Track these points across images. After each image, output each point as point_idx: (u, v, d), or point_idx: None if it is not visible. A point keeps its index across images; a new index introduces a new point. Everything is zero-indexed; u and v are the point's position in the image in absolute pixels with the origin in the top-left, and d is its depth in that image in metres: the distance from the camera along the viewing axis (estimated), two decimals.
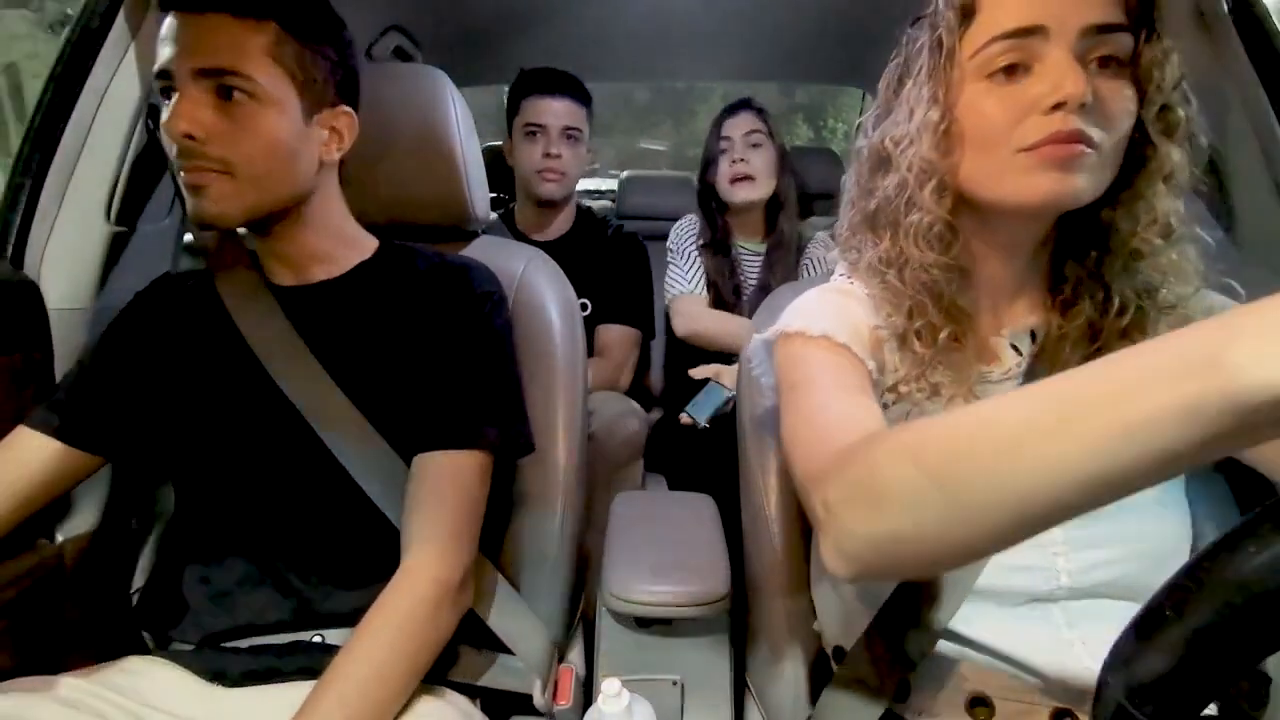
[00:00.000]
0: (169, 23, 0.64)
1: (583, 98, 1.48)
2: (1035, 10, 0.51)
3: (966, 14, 0.54)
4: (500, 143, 1.78)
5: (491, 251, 0.90)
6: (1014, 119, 0.52)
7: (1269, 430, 0.28)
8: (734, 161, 1.50)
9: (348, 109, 0.72)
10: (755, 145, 1.50)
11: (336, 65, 0.70)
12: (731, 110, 1.54)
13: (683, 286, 1.55)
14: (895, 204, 0.58)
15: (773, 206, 1.56)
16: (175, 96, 0.63)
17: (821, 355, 0.57)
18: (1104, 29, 0.51)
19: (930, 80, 0.55)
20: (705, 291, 1.55)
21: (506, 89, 1.55)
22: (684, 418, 1.36)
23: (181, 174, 0.65)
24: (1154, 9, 0.52)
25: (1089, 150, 0.50)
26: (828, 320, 0.60)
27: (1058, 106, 0.49)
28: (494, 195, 1.07)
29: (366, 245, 0.78)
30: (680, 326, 1.52)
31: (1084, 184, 0.52)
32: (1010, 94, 0.52)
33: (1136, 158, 0.54)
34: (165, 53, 0.64)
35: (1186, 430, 0.29)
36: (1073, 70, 0.49)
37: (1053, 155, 0.51)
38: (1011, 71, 0.52)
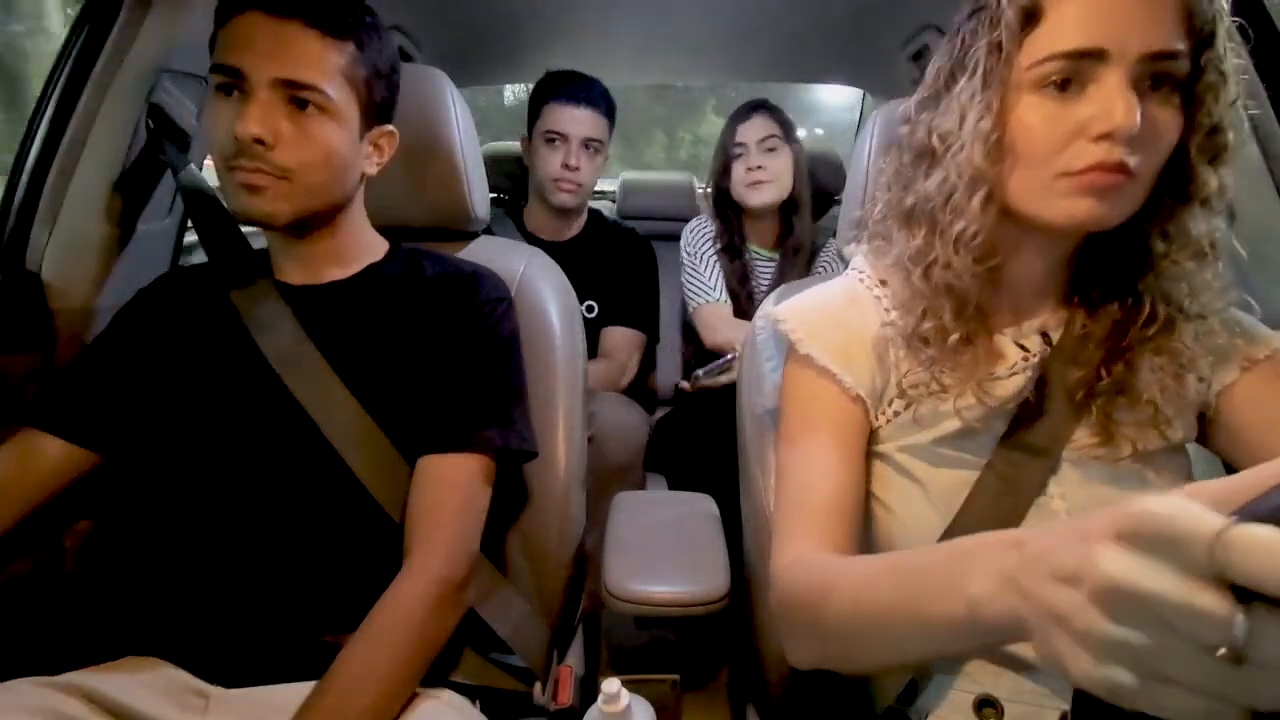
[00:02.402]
0: (240, 21, 0.65)
1: (606, 107, 1.46)
2: (1098, 31, 0.49)
3: (1030, 17, 0.52)
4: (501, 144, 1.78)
5: (492, 251, 0.90)
6: (1061, 141, 0.51)
7: (1021, 637, 0.33)
8: (749, 168, 1.46)
9: (391, 128, 0.75)
10: (771, 150, 1.46)
11: (391, 86, 0.74)
12: (745, 113, 1.49)
13: (706, 296, 1.51)
14: (935, 203, 0.57)
15: (787, 210, 1.52)
16: (244, 97, 0.65)
17: (806, 398, 0.62)
18: (1163, 56, 0.50)
19: (985, 86, 0.54)
20: (726, 296, 1.51)
21: (504, 89, 1.54)
22: (683, 383, 1.38)
23: (236, 173, 0.66)
24: (1215, 35, 0.51)
25: (1124, 179, 0.50)
26: (822, 331, 0.62)
27: (1105, 135, 0.49)
28: (493, 195, 1.07)
29: (377, 247, 0.79)
30: (707, 338, 1.49)
31: (1119, 211, 0.52)
32: (1061, 113, 0.51)
33: (1176, 178, 0.54)
34: (237, 52, 0.65)
35: (962, 631, 0.37)
36: (1125, 100, 0.48)
37: (1093, 183, 0.51)
38: (1064, 87, 0.51)
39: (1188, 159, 0.53)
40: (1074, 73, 0.51)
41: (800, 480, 0.60)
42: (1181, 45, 0.50)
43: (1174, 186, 0.54)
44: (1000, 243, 0.58)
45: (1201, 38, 0.51)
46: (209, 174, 0.79)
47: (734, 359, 1.35)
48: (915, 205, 0.60)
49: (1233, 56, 0.52)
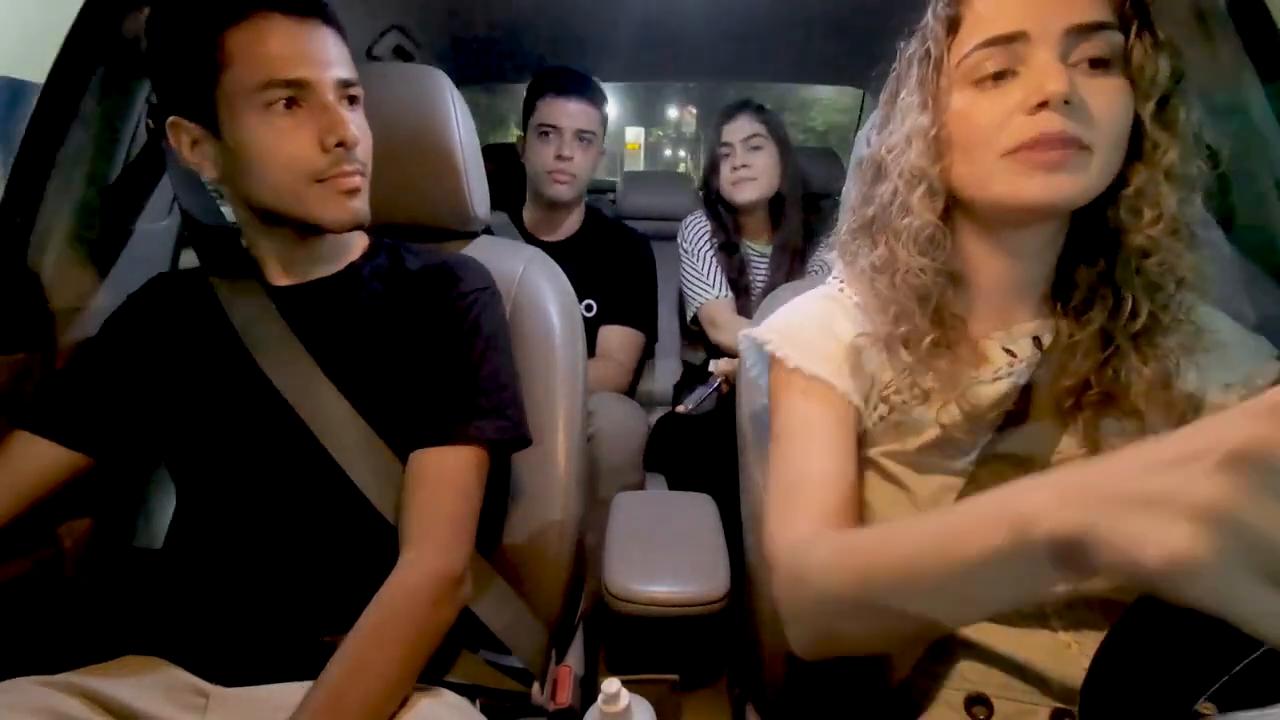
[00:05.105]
0: (268, 30, 0.64)
1: (598, 100, 1.48)
2: (1016, 16, 0.52)
3: (952, 25, 0.55)
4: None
5: (492, 252, 0.90)
6: (999, 122, 0.53)
7: (1075, 567, 0.33)
8: (735, 167, 1.50)
9: None
10: (755, 148, 1.50)
11: None
12: (730, 114, 1.53)
13: (707, 293, 1.53)
14: (889, 210, 0.59)
15: (777, 206, 1.56)
16: (311, 107, 0.65)
17: (797, 398, 0.62)
18: (1088, 28, 0.51)
19: (920, 89, 0.57)
20: (729, 292, 1.54)
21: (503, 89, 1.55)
22: (680, 408, 1.40)
23: (334, 182, 0.67)
24: (1143, 4, 0.52)
25: (1075, 151, 0.51)
26: (806, 342, 0.62)
27: (1041, 106, 0.50)
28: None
29: (358, 244, 0.79)
30: (712, 335, 1.52)
31: (1076, 184, 0.52)
32: (996, 98, 0.53)
33: (1137, 154, 0.54)
34: (290, 64, 0.64)
35: (1008, 567, 0.36)
36: (1054, 70, 0.50)
37: (1038, 160, 0.51)
38: (999, 77, 0.53)
39: (1143, 127, 0.54)
40: (1003, 62, 0.52)
41: (798, 467, 0.59)
42: (1106, 17, 0.51)
43: (1135, 156, 0.55)
44: (965, 245, 0.59)
45: (1128, 12, 0.52)
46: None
47: (721, 382, 1.39)
48: (874, 216, 0.62)
49: (1160, 31, 0.52)
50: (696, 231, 1.58)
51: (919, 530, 0.44)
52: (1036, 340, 0.61)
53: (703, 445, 1.31)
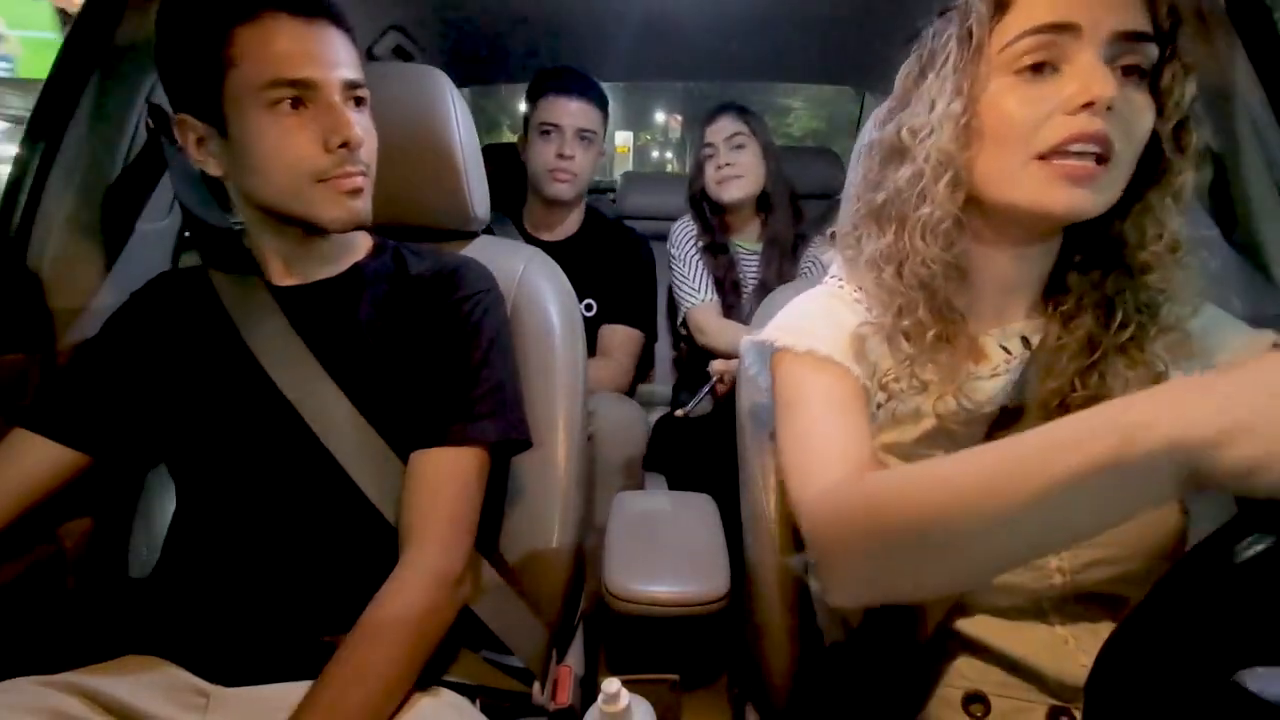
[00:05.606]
0: (275, 30, 0.64)
1: (599, 100, 1.49)
2: (1070, 8, 0.50)
3: (999, 7, 0.53)
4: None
5: (492, 252, 0.90)
6: (1037, 119, 0.51)
7: (1169, 483, 0.33)
8: (719, 166, 1.52)
9: None
10: (739, 147, 1.52)
11: None
12: (713, 115, 1.56)
13: (694, 298, 1.55)
14: (906, 196, 0.58)
15: (764, 204, 1.57)
16: (317, 107, 0.65)
17: (808, 373, 0.60)
18: (1134, 36, 0.50)
19: (955, 72, 0.55)
20: (715, 295, 1.56)
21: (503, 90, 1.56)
22: (678, 412, 1.42)
23: (336, 182, 0.67)
24: (1179, 25, 0.52)
25: (1102, 167, 0.50)
26: (814, 332, 0.61)
27: (1085, 106, 0.49)
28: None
29: (362, 244, 0.79)
30: (698, 340, 1.54)
31: (1098, 200, 0.52)
32: (1036, 93, 0.52)
33: (1149, 171, 0.54)
34: (297, 64, 0.64)
35: (1101, 483, 0.35)
36: (1102, 71, 0.49)
37: (1070, 173, 0.51)
38: (1039, 70, 0.52)
39: (1160, 147, 0.53)
40: (1048, 53, 0.51)
41: (818, 431, 0.57)
42: (1149, 29, 0.51)
43: (1149, 175, 0.54)
44: (972, 241, 0.59)
45: (1166, 28, 0.52)
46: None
47: (716, 383, 1.41)
48: (886, 202, 0.60)
49: (1188, 55, 0.52)
50: (683, 236, 1.61)
51: (989, 456, 0.41)
52: (1025, 340, 0.61)
53: (703, 445, 1.31)
